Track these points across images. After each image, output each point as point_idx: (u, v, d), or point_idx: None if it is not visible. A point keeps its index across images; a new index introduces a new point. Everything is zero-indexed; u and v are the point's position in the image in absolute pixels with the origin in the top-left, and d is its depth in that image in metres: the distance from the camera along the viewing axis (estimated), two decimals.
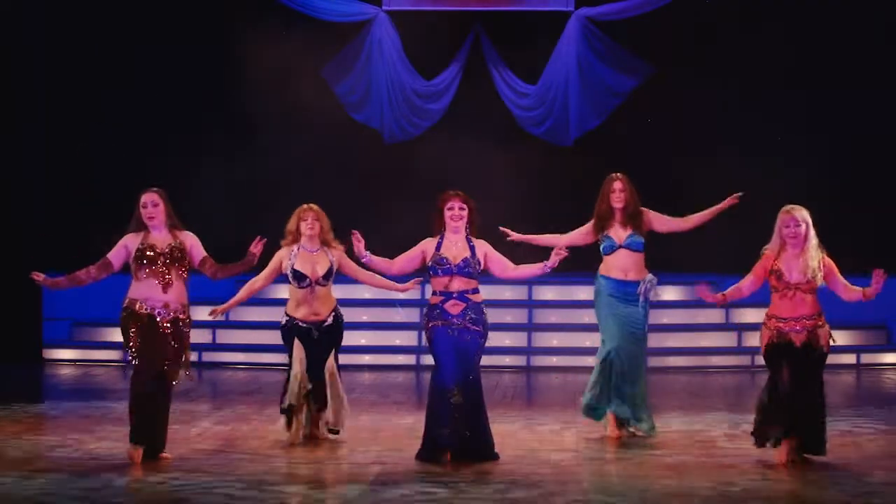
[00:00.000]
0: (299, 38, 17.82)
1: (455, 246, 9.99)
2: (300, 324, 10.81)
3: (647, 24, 18.23)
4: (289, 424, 10.74)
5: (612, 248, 11.06)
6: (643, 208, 11.17)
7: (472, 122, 18.59)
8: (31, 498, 8.60)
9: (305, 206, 10.97)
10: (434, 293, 10.05)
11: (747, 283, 9.98)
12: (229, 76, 18.36)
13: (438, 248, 9.99)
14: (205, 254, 9.99)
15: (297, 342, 10.80)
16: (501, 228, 11.08)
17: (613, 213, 11.08)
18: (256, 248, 10.01)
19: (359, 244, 9.90)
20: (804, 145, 18.11)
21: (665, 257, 11.71)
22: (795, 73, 18.31)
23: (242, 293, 10.96)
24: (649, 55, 18.38)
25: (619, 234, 11.07)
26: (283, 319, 10.92)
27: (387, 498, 8.64)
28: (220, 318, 11.11)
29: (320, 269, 10.80)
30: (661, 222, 11.26)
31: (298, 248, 10.81)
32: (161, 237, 9.86)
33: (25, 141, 17.81)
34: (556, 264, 9.96)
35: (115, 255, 9.84)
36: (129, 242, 9.84)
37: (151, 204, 9.86)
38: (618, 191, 11.08)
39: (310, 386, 10.73)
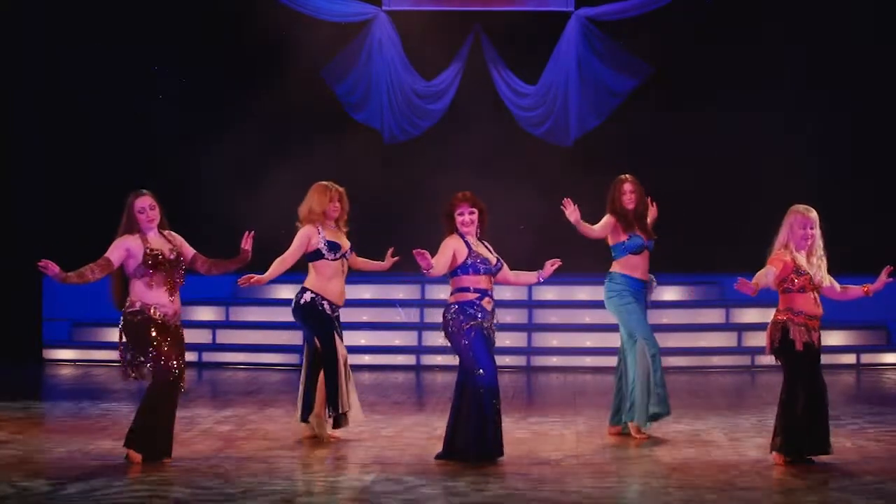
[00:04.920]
0: (299, 38, 17.83)
1: (481, 247, 10.02)
2: (327, 308, 10.77)
3: (647, 24, 18.23)
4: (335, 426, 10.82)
5: (642, 248, 11.07)
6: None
7: (472, 123, 18.60)
8: (32, 498, 8.60)
9: (331, 186, 10.92)
10: (465, 290, 9.90)
11: (772, 274, 9.61)
12: (229, 76, 18.38)
13: (469, 247, 9.96)
14: (194, 251, 10.03)
15: (337, 339, 10.76)
16: (565, 202, 10.91)
17: (628, 213, 11.07)
18: (247, 244, 10.01)
19: (423, 259, 9.64)
20: (804, 145, 18.11)
21: (665, 257, 11.70)
22: (795, 73, 18.32)
23: (274, 270, 10.67)
24: (649, 55, 18.38)
25: (643, 234, 11.10)
26: (307, 297, 10.78)
27: (387, 497, 8.64)
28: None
29: (346, 242, 10.88)
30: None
31: (322, 225, 10.82)
32: (160, 241, 9.85)
33: (24, 139, 17.82)
34: (550, 274, 10.09)
35: (116, 257, 9.74)
36: (131, 245, 9.77)
37: (149, 208, 9.83)
38: (628, 192, 11.08)
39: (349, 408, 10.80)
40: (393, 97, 18.73)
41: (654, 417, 11.01)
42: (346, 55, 18.69)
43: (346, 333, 11.08)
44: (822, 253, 9.83)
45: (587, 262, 11.39)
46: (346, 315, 11.16)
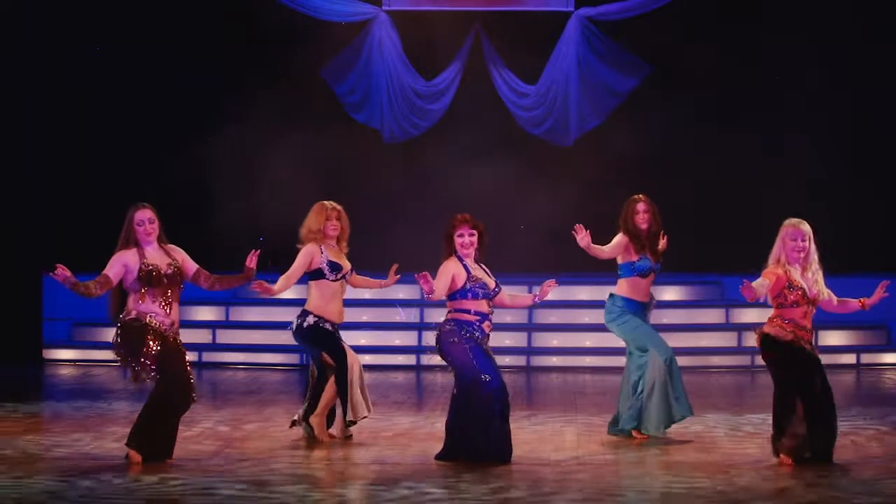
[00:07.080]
0: (299, 38, 17.82)
1: (479, 270, 10.02)
2: (329, 328, 10.79)
3: (647, 24, 18.23)
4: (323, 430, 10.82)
5: (650, 272, 11.06)
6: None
7: (472, 123, 18.59)
8: (31, 498, 8.60)
9: (328, 205, 10.92)
10: (464, 312, 9.95)
11: (765, 287, 9.64)
12: (228, 76, 18.37)
13: (468, 271, 9.96)
14: (196, 266, 9.99)
15: (346, 348, 10.78)
16: (577, 227, 10.88)
17: (641, 234, 11.05)
18: (252, 262, 10.02)
19: (426, 283, 9.69)
20: (804, 144, 18.10)
21: (666, 257, 11.69)
22: (795, 73, 18.31)
23: (281, 286, 10.70)
24: (649, 55, 18.37)
25: (652, 257, 11.08)
26: (310, 320, 10.79)
27: (387, 498, 8.64)
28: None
29: (346, 263, 10.88)
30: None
31: (325, 245, 10.83)
32: (158, 255, 9.81)
33: (25, 140, 17.81)
34: (546, 296, 10.08)
35: (115, 273, 9.71)
36: (128, 260, 9.73)
37: (148, 221, 9.80)
38: (641, 212, 11.05)
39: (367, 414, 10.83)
40: (393, 97, 18.73)
41: (673, 421, 11.01)
42: (346, 55, 18.69)
43: (346, 333, 11.09)
44: (817, 267, 9.81)
45: (587, 261, 11.36)
46: (346, 315, 11.14)
